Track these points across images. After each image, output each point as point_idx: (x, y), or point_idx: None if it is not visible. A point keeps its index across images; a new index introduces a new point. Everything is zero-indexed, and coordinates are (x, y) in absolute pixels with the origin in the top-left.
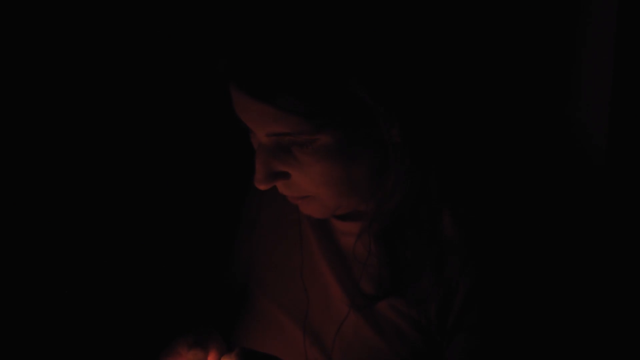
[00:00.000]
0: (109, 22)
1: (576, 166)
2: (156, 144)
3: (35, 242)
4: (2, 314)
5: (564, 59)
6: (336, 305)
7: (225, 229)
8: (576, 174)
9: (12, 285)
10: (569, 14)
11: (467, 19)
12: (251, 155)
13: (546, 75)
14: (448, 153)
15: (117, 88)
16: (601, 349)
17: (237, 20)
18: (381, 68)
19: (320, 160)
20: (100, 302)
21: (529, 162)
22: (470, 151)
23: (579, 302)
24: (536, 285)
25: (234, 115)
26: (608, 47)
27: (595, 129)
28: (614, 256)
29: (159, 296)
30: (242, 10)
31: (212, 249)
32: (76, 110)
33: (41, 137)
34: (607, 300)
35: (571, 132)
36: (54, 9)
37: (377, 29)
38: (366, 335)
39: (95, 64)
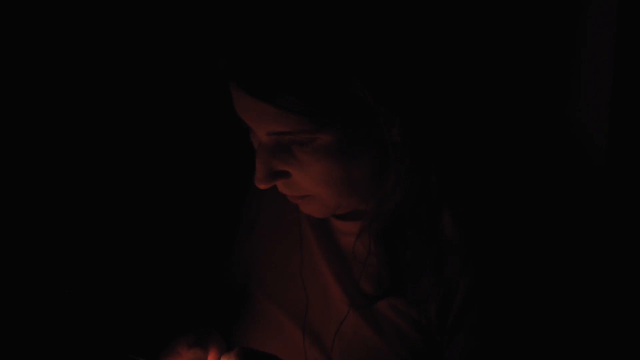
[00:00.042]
0: (109, 22)
1: (576, 166)
2: (156, 144)
3: (35, 242)
4: (2, 314)
5: (564, 59)
6: (336, 305)
7: (225, 229)
8: (576, 174)
9: (12, 285)
10: (569, 14)
11: (467, 19)
12: (251, 155)
13: (546, 75)
14: (448, 153)
15: (117, 88)
16: (601, 348)
17: (239, 19)
18: (382, 68)
19: (321, 159)
20: (100, 302)
21: (529, 162)
22: (470, 151)
23: (579, 302)
24: (536, 285)
25: (234, 115)
26: (608, 47)
27: (595, 129)
28: (613, 256)
29: (159, 296)
30: (244, 9)
31: (212, 249)
32: (76, 110)
33: (41, 137)
34: (607, 300)
35: (571, 132)
36: (54, 9)
37: (378, 29)
38: (366, 335)
39: (95, 64)
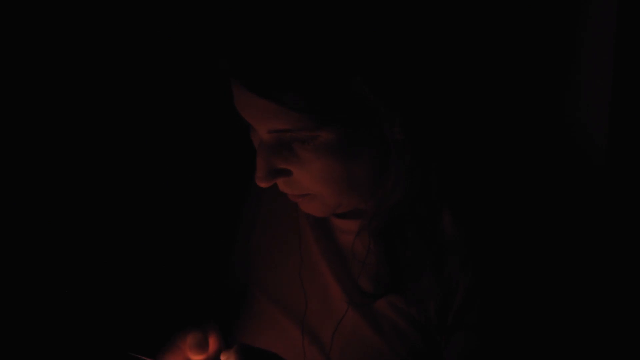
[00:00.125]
0: (109, 22)
1: (576, 166)
2: (156, 144)
3: (35, 242)
4: (2, 314)
5: (564, 59)
6: (335, 304)
7: (225, 229)
8: (576, 174)
9: (12, 285)
10: (569, 14)
11: (468, 18)
12: (251, 154)
13: (546, 75)
14: (449, 152)
15: (117, 88)
16: (601, 348)
17: (240, 16)
18: (384, 65)
19: (322, 157)
20: (100, 302)
21: (529, 161)
22: (470, 150)
23: (579, 301)
24: (536, 284)
25: (234, 114)
26: (608, 47)
27: (595, 129)
28: (613, 256)
29: (158, 295)
30: (245, 6)
31: (212, 249)
32: (76, 110)
33: (41, 137)
34: (607, 299)
35: (571, 132)
36: (54, 9)
37: (381, 26)
38: (365, 334)
39: (95, 63)
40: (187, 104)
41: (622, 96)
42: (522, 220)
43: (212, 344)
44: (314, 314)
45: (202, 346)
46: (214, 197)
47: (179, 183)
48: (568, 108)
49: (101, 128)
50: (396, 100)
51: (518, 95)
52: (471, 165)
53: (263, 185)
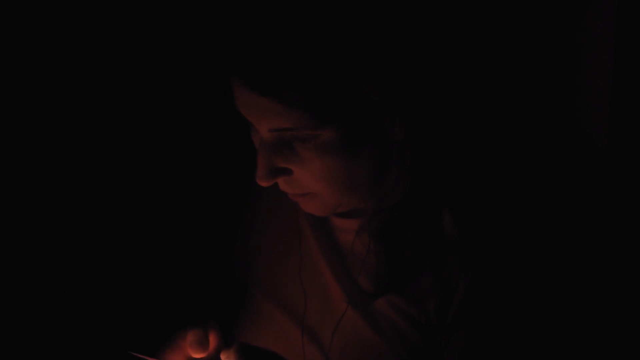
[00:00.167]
0: (109, 21)
1: (576, 166)
2: (156, 144)
3: (35, 242)
4: (2, 314)
5: (564, 59)
6: (335, 304)
7: (225, 228)
8: (576, 174)
9: (12, 285)
10: (569, 14)
11: (469, 18)
12: (251, 155)
13: (546, 74)
14: (449, 151)
15: (117, 87)
16: (601, 348)
17: (241, 14)
18: (387, 64)
19: (323, 156)
20: (100, 302)
21: (529, 161)
22: (471, 150)
23: (579, 301)
24: (536, 284)
25: (234, 114)
26: (608, 47)
27: (595, 129)
28: (613, 256)
29: (158, 295)
30: (247, 4)
31: (212, 249)
32: (76, 110)
33: (41, 137)
34: (607, 299)
35: (571, 132)
36: (54, 9)
37: (383, 25)
38: (364, 334)
39: (94, 63)
40: (187, 104)
41: (622, 96)
42: (522, 220)
43: (212, 342)
44: (313, 313)
45: (203, 344)
46: (214, 197)
47: (179, 183)
48: (568, 108)
49: (101, 128)
50: (398, 99)
51: (518, 95)
52: (471, 165)
53: (264, 184)
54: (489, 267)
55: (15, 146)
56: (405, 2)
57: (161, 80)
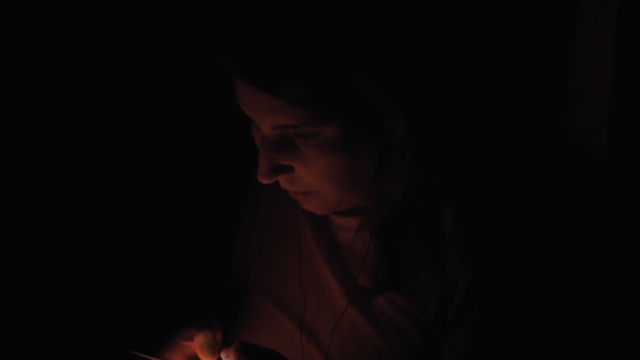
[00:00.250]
0: (109, 20)
1: (576, 166)
2: (156, 144)
3: (35, 242)
4: (2, 314)
5: (565, 59)
6: (334, 302)
7: (225, 228)
8: (576, 173)
9: (12, 285)
10: (569, 14)
11: (470, 18)
12: (251, 154)
13: (547, 74)
14: (450, 149)
15: (117, 87)
16: (601, 347)
17: (244, 10)
18: (390, 61)
19: (324, 153)
20: (100, 301)
21: (529, 160)
22: (471, 148)
23: (579, 300)
24: (536, 283)
25: (234, 114)
26: (608, 47)
27: (595, 129)
28: (613, 255)
29: (158, 294)
30: (249, 0)
31: (212, 249)
32: (76, 110)
33: (41, 137)
34: (607, 299)
35: (571, 132)
36: (54, 9)
37: (387, 21)
38: (364, 332)
39: (94, 62)
40: (187, 104)
41: (622, 96)
42: (522, 219)
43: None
44: (313, 312)
45: (213, 347)
46: (214, 197)
47: (178, 183)
48: (568, 108)
49: (101, 128)
50: (401, 97)
51: (519, 95)
52: (472, 164)
53: (265, 181)
54: (489, 266)
55: (16, 146)
56: (409, 0)
57: (162, 80)
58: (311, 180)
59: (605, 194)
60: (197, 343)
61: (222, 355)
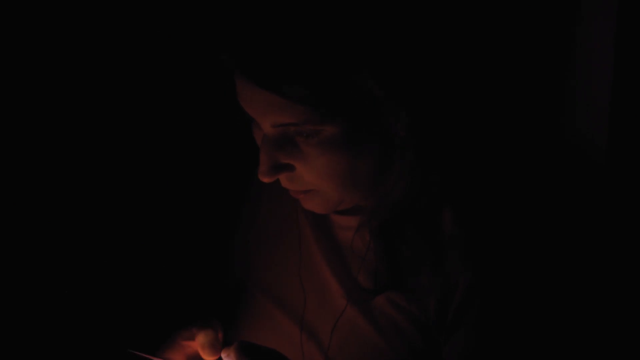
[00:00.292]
0: (110, 19)
1: (576, 166)
2: (156, 143)
3: (35, 242)
4: (2, 314)
5: (565, 59)
6: (334, 302)
7: (225, 228)
8: (576, 173)
9: (12, 285)
10: (569, 14)
11: (470, 18)
12: (251, 154)
13: (547, 75)
14: (451, 149)
15: (117, 86)
16: (601, 347)
17: (245, 9)
18: (391, 60)
19: (325, 152)
20: (100, 301)
21: (529, 160)
22: (471, 148)
23: (579, 300)
24: (536, 283)
25: (234, 114)
26: (608, 48)
27: (595, 129)
28: (613, 255)
29: (158, 293)
30: None
31: (212, 248)
32: (76, 110)
33: (41, 137)
34: (607, 299)
35: (571, 132)
36: (54, 9)
37: (388, 20)
38: (363, 331)
39: (94, 62)
40: (187, 104)
41: (622, 96)
42: (522, 219)
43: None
44: (312, 311)
45: (215, 346)
46: (214, 197)
47: (178, 183)
48: (568, 108)
49: (101, 128)
50: (402, 95)
51: (519, 95)
52: (472, 164)
53: (266, 180)
54: (489, 266)
55: (16, 146)
56: (409, 0)
57: (162, 79)
58: (312, 179)
59: (605, 194)
60: (199, 342)
61: (223, 355)
